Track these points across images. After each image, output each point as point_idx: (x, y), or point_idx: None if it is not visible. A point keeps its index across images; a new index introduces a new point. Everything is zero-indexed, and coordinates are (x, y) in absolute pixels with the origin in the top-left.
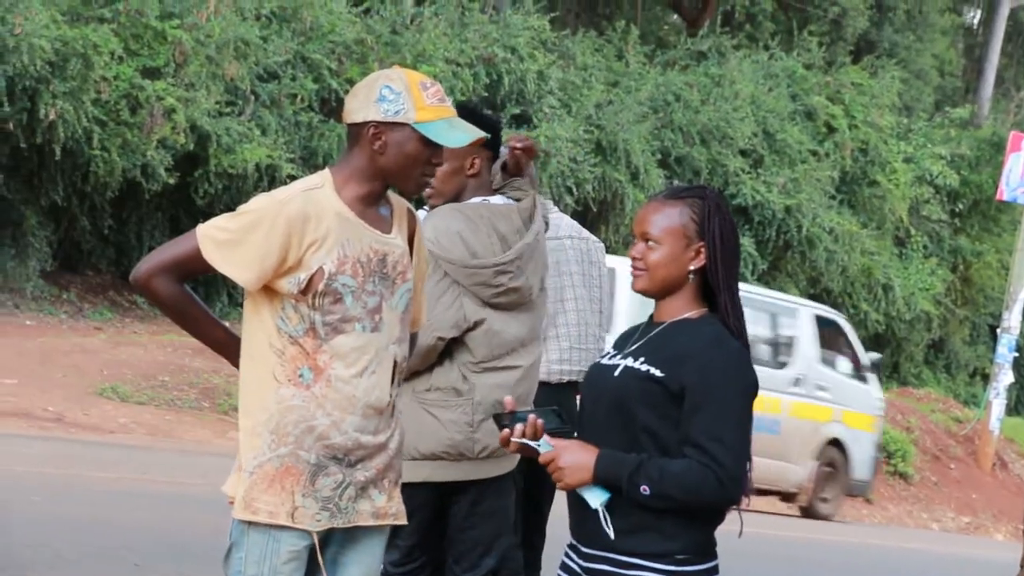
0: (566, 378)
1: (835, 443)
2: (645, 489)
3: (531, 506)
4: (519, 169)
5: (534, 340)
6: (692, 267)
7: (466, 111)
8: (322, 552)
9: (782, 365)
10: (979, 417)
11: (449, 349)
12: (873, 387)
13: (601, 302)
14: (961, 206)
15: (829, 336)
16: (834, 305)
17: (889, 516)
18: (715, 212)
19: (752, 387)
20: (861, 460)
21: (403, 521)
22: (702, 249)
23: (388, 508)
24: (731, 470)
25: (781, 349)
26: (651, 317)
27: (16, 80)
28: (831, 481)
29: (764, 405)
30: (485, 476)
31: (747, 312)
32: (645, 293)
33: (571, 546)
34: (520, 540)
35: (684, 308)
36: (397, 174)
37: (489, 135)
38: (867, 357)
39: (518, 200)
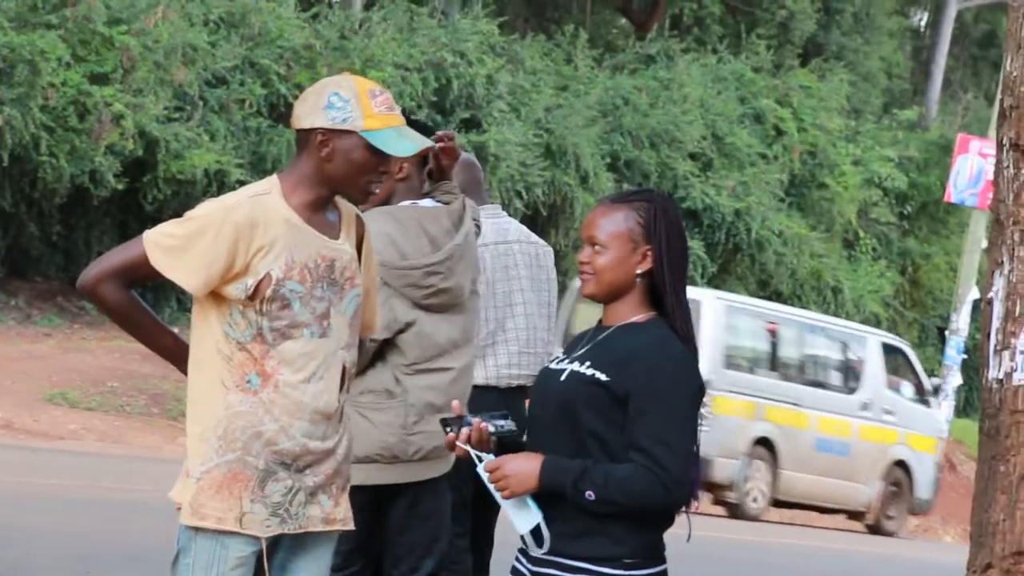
0: (515, 382)
1: (900, 464)
2: (590, 495)
3: (479, 510)
4: (443, 173)
5: (467, 342)
6: (639, 271)
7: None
8: (269, 558)
9: (851, 390)
10: None
11: (381, 351)
12: (935, 410)
13: (550, 306)
14: (909, 208)
15: (894, 363)
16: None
17: (838, 519)
18: (662, 215)
19: (698, 391)
20: (924, 480)
21: (351, 527)
22: (648, 252)
23: (336, 513)
24: (676, 474)
25: (850, 375)
26: (599, 321)
27: None
28: (896, 500)
29: (835, 428)
30: (420, 478)
31: (819, 340)
32: (593, 298)
33: (521, 551)
34: (468, 544)
35: (631, 312)
36: (343, 181)
37: (433, 144)
38: (929, 382)
39: (447, 203)
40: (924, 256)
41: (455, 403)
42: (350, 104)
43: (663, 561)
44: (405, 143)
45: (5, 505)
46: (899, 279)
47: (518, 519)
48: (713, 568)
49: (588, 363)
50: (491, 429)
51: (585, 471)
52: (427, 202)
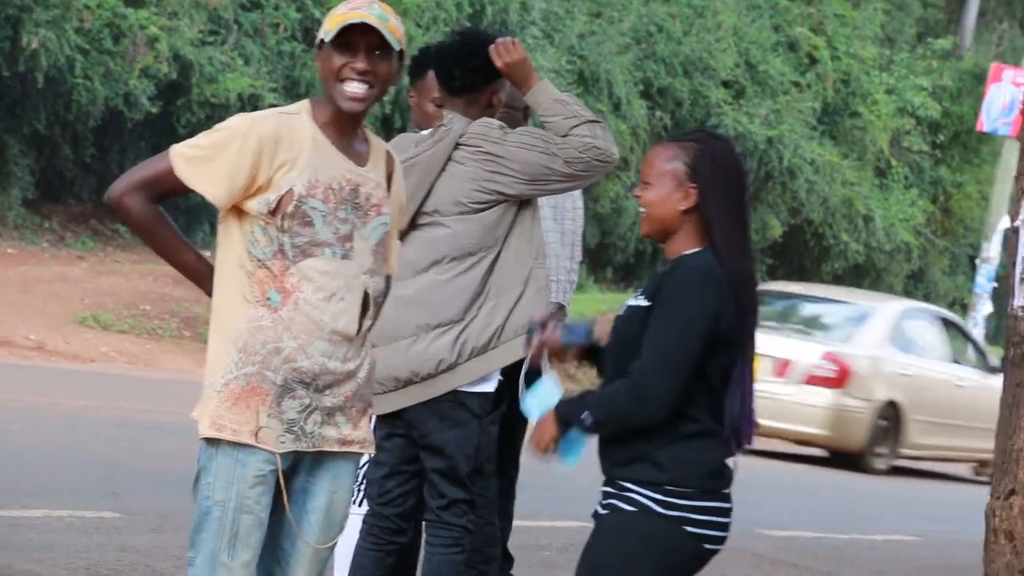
0: None
1: None
2: (587, 417)
3: (506, 434)
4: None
5: (411, 274)
6: (682, 207)
7: (472, 34)
8: (290, 479)
9: None
10: None
11: None
12: None
13: (574, 234)
14: (942, 137)
15: None
16: (815, 235)
17: None
18: (708, 154)
19: (703, 313)
20: None
21: (370, 450)
22: (692, 190)
23: (355, 436)
24: (653, 386)
25: None
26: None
27: None
28: None
29: None
30: (397, 407)
31: None
32: (648, 236)
33: None
34: (494, 468)
35: (685, 246)
36: (328, 91)
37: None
38: None
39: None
40: (956, 185)
41: (539, 313)
42: (328, 18)
43: (716, 497)
44: (334, 30)
45: (35, 425)
46: (931, 208)
47: (568, 456)
48: None
49: (641, 293)
50: (562, 340)
51: (584, 395)
52: (427, 132)
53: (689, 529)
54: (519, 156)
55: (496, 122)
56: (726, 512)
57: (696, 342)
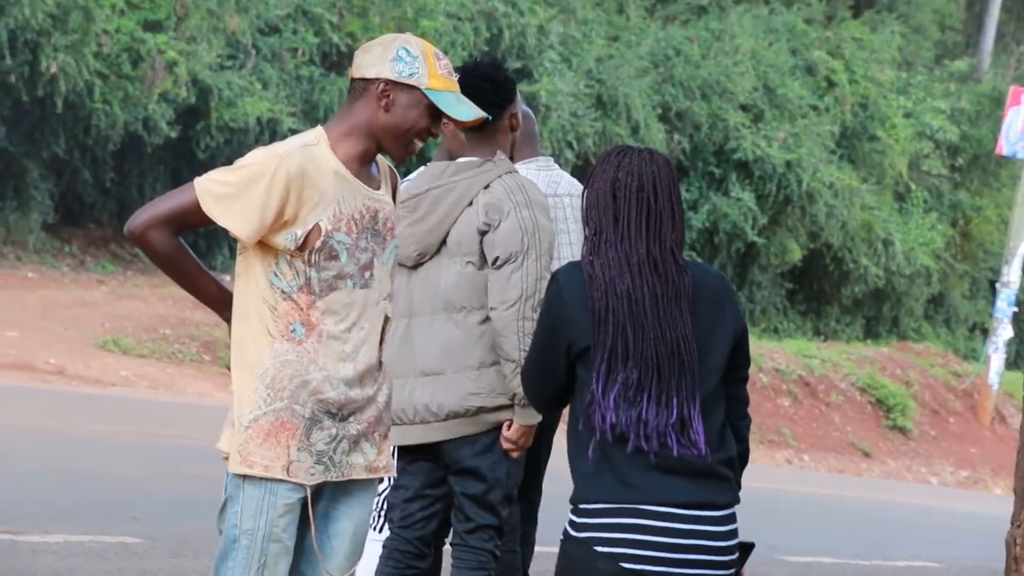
0: None
1: None
2: None
3: (529, 463)
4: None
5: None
6: None
7: (494, 67)
8: (314, 506)
9: None
10: (978, 372)
11: None
12: None
13: None
14: (961, 161)
15: None
16: (834, 259)
17: (888, 470)
18: (591, 174)
19: (547, 311)
20: None
21: (392, 473)
22: None
23: (379, 461)
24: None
25: None
26: None
27: (17, 33)
28: None
29: None
30: (416, 441)
31: None
32: None
33: None
34: (516, 494)
35: None
36: (394, 133)
37: (488, 116)
38: None
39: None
40: (975, 208)
41: None
42: (418, 61)
43: (634, 514)
44: (464, 108)
45: (57, 450)
46: (950, 231)
47: None
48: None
49: None
50: None
51: None
52: (464, 159)
53: (599, 549)
54: (508, 234)
55: (531, 187)
56: (655, 531)
57: (540, 345)
